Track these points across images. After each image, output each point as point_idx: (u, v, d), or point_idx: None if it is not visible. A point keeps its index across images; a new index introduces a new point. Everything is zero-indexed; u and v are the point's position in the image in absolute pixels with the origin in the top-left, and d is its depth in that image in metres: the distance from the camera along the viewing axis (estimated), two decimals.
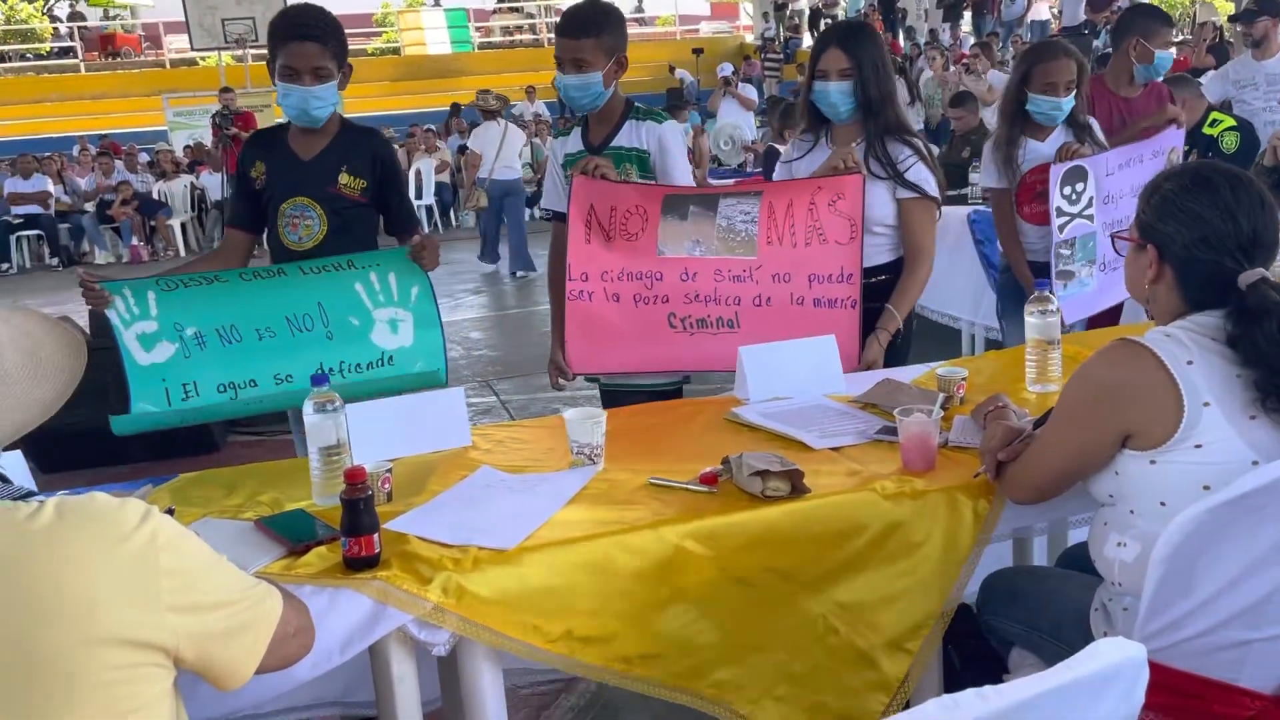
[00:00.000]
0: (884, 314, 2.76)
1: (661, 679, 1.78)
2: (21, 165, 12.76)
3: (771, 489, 1.85)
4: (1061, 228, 3.12)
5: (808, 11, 22.34)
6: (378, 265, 2.70)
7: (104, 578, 1.07)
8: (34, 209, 12.46)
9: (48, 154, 14.30)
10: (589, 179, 2.74)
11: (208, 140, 13.06)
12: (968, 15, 17.55)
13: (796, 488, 1.86)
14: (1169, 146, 3.48)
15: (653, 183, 2.81)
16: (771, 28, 22.25)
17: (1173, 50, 3.76)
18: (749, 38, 24.76)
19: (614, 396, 2.89)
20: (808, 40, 22.01)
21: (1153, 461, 1.63)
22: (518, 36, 28.01)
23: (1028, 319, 2.40)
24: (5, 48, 26.68)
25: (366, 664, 1.76)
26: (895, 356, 2.78)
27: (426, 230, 12.97)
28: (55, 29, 27.60)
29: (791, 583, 1.83)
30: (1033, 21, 16.61)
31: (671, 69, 20.73)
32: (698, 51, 21.07)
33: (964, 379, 2.36)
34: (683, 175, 2.86)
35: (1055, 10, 14.72)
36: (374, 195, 2.83)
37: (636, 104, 2.92)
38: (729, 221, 2.75)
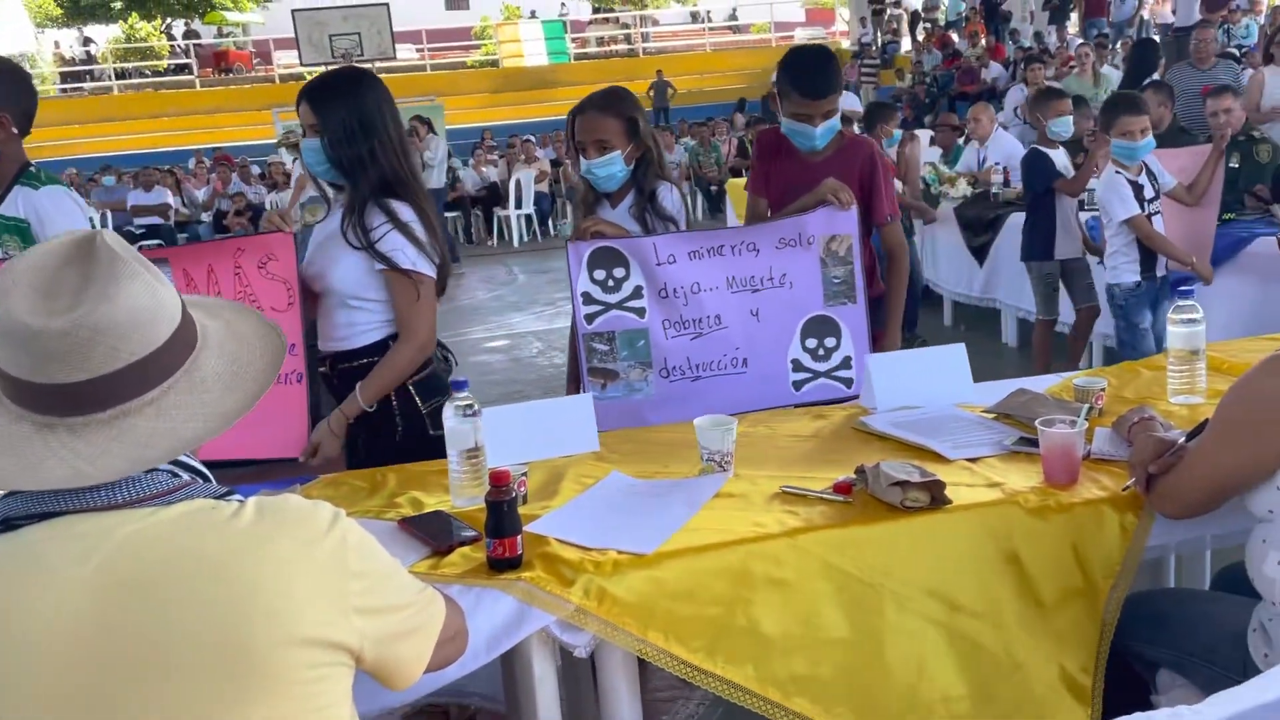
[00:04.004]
0: (349, 396, 2.45)
1: (809, 711, 1.71)
2: (144, 178, 13.36)
3: (911, 499, 1.82)
4: (590, 317, 2.66)
5: (906, 15, 22.00)
6: None
7: (299, 579, 1.09)
8: (155, 220, 13.03)
9: (166, 166, 14.96)
10: None
11: None
12: (1074, 17, 17.07)
13: (936, 499, 1.83)
14: (824, 234, 2.70)
15: None
16: (868, 33, 21.98)
17: (802, 121, 2.85)
18: (845, 43, 24.51)
19: None
20: (906, 44, 21.68)
21: None
22: (612, 47, 28.27)
23: (1171, 329, 2.32)
24: (126, 65, 27.99)
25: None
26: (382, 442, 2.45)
27: (525, 239, 13.19)
28: (172, 47, 28.88)
29: (943, 602, 1.77)
30: (1144, 21, 16.06)
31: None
32: None
33: (1103, 389, 2.29)
34: None
35: (1172, 9, 14.21)
36: None
37: (31, 167, 2.68)
38: None
